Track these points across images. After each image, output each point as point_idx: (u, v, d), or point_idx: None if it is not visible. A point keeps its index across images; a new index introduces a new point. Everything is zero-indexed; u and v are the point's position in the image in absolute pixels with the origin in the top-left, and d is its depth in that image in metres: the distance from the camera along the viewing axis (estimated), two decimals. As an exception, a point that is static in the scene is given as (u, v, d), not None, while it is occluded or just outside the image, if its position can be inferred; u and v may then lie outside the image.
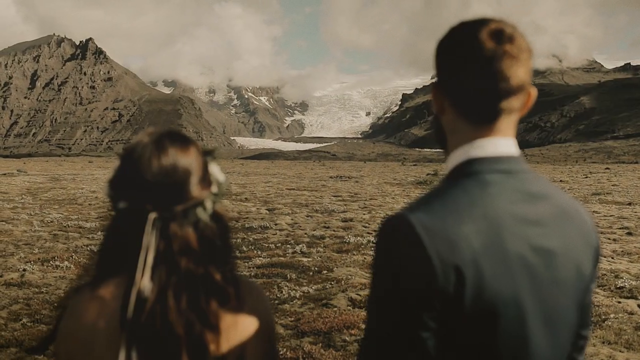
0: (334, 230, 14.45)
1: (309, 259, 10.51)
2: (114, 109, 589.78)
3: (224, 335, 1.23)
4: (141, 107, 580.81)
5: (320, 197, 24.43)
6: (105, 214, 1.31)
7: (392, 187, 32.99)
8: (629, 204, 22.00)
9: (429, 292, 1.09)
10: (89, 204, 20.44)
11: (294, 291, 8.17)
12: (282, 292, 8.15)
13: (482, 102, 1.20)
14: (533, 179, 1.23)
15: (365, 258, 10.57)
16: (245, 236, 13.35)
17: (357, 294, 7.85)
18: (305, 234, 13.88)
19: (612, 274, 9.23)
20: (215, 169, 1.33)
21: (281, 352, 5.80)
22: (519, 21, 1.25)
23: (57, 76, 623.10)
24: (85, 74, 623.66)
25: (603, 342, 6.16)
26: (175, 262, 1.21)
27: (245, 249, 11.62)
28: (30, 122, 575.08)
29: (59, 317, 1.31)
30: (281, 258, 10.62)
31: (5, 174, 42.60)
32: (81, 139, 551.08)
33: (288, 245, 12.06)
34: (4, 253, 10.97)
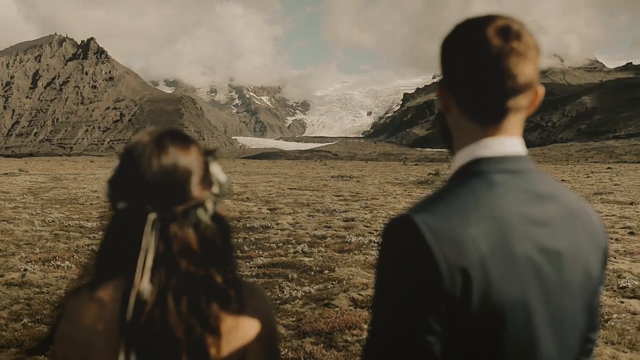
0: (335, 230, 14.43)
1: (311, 259, 10.49)
2: (115, 108, 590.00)
3: (224, 338, 1.21)
4: (143, 107, 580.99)
5: (321, 196, 24.42)
6: (106, 214, 1.28)
7: (393, 186, 32.97)
8: (631, 203, 21.95)
9: (434, 296, 1.06)
10: (91, 204, 20.43)
11: (295, 291, 8.15)
12: (283, 292, 8.13)
13: (488, 101, 1.17)
14: (540, 178, 1.21)
15: (366, 258, 10.55)
16: (246, 236, 13.34)
17: (359, 294, 7.83)
18: (307, 233, 13.87)
19: (615, 274, 9.20)
20: (216, 169, 1.31)
21: (282, 353, 5.78)
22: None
23: (59, 76, 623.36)
24: (86, 73, 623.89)
25: (606, 343, 6.13)
26: (175, 263, 1.19)
27: (246, 248, 11.61)
28: (32, 122, 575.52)
29: (57, 319, 1.29)
30: (282, 258, 10.60)
31: (6, 174, 42.63)
32: (83, 139, 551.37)
33: (289, 245, 12.04)
34: (5, 253, 10.97)
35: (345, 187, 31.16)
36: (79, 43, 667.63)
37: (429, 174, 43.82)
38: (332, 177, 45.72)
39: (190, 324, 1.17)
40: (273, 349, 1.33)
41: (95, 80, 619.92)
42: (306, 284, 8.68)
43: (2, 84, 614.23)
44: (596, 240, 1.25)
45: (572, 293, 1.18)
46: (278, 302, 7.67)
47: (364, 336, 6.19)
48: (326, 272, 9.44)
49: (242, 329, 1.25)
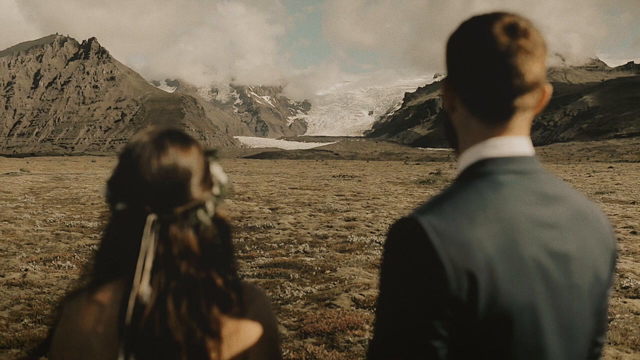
0: (337, 230, 14.40)
1: (312, 259, 10.46)
2: (116, 108, 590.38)
3: (225, 342, 1.19)
4: (144, 107, 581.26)
5: (323, 196, 24.39)
6: (105, 215, 1.26)
7: (395, 186, 32.94)
8: (633, 202, 21.91)
9: (440, 299, 1.04)
10: (92, 204, 20.42)
11: (297, 291, 8.12)
12: (285, 292, 8.10)
13: (495, 100, 1.14)
14: (548, 179, 1.18)
15: (368, 257, 10.52)
16: (248, 235, 13.32)
17: (361, 294, 7.80)
18: (308, 233, 13.84)
19: (617, 274, 9.16)
20: (217, 170, 1.28)
21: (284, 354, 5.75)
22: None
23: (60, 76, 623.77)
24: (88, 73, 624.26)
25: (609, 343, 6.10)
26: (175, 266, 1.17)
27: (248, 248, 11.58)
28: (34, 122, 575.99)
29: (56, 322, 1.26)
30: (284, 258, 10.57)
31: (8, 174, 42.65)
32: (84, 139, 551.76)
33: (291, 245, 12.02)
34: (6, 253, 10.95)
35: (347, 187, 31.14)
36: (80, 43, 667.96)
37: (430, 174, 43.81)
38: (334, 176, 45.70)
39: (190, 327, 1.15)
40: (275, 353, 1.31)
41: (97, 80, 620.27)
42: (308, 284, 8.66)
43: (3, 84, 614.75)
44: (605, 242, 1.22)
45: (581, 297, 1.16)
46: (279, 302, 7.65)
47: (366, 336, 6.17)
48: (328, 272, 9.41)
49: (243, 333, 1.23)
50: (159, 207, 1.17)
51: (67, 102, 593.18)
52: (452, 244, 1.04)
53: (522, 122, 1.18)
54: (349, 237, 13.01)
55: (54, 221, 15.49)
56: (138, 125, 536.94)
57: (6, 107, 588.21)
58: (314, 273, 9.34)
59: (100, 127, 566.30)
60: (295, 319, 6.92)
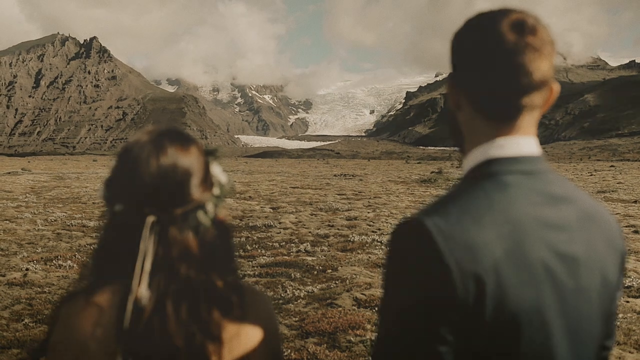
0: (338, 229, 14.37)
1: (314, 258, 10.44)
2: (118, 107, 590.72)
3: (226, 346, 1.17)
4: (145, 106, 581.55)
5: (324, 195, 24.36)
6: (103, 216, 1.24)
7: (396, 185, 32.91)
8: (635, 201, 21.86)
9: (446, 303, 1.01)
10: (93, 203, 20.39)
11: (298, 291, 8.10)
12: (286, 291, 8.08)
13: (502, 99, 1.12)
14: (555, 180, 1.16)
15: (369, 257, 10.49)
16: (249, 235, 13.30)
17: (362, 294, 7.78)
18: (310, 232, 13.81)
19: (620, 273, 9.13)
20: (217, 170, 1.26)
21: (285, 353, 5.73)
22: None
23: (62, 75, 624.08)
24: (89, 72, 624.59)
25: (612, 343, 6.07)
26: (174, 268, 1.15)
27: (249, 247, 11.57)
28: (35, 121, 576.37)
29: (53, 324, 1.24)
30: (285, 257, 10.55)
31: (9, 173, 42.67)
32: (85, 138, 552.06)
33: (292, 244, 12.00)
34: (7, 252, 10.93)
35: (348, 186, 31.10)
36: (81, 42, 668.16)
37: (431, 172, 43.79)
38: (335, 175, 45.68)
39: (190, 331, 1.13)
40: (276, 356, 1.29)
41: (98, 80, 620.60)
42: (309, 283, 8.63)
43: (5, 84, 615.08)
44: (613, 244, 1.20)
45: (589, 300, 1.14)
46: (281, 301, 7.63)
47: (368, 336, 6.15)
48: (329, 271, 9.39)
49: (244, 336, 1.21)
50: (158, 209, 1.15)
51: (69, 102, 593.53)
52: (459, 246, 1.02)
53: (529, 121, 1.16)
54: (351, 236, 12.99)
55: (55, 220, 15.48)
56: (139, 124, 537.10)
57: (7, 107, 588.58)
58: (316, 272, 9.32)
59: (102, 126, 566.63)
60: (297, 319, 6.89)
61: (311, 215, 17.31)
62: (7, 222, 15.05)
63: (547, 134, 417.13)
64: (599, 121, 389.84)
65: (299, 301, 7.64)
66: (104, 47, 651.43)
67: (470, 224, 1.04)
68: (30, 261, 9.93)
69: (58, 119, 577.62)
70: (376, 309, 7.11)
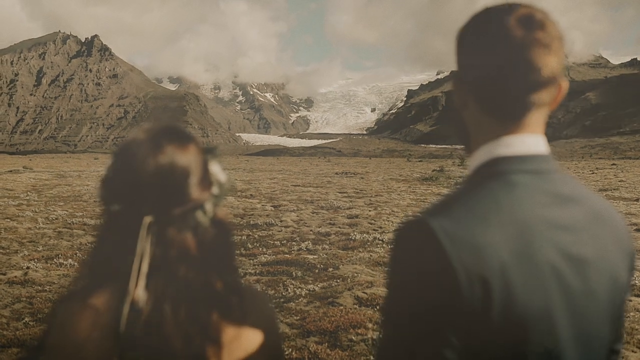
0: (339, 227, 14.36)
1: (315, 256, 10.42)
2: (119, 105, 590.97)
3: (226, 349, 1.14)
4: (146, 104, 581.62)
5: (325, 193, 24.34)
6: (100, 216, 1.21)
7: (397, 183, 32.87)
8: (637, 199, 21.81)
9: (452, 307, 0.98)
10: (94, 201, 20.36)
11: (299, 289, 8.08)
12: (287, 290, 8.06)
13: (509, 96, 1.09)
14: (564, 179, 1.13)
15: (371, 255, 10.47)
16: (250, 233, 13.29)
17: (364, 292, 7.75)
18: (311, 230, 13.80)
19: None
20: (216, 169, 1.23)
21: (286, 353, 5.72)
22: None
23: (63, 73, 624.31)
24: (90, 71, 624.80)
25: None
26: (172, 270, 1.12)
27: (250, 246, 11.56)
28: (36, 119, 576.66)
29: (49, 327, 1.21)
30: (286, 255, 10.54)
31: (11, 171, 42.63)
32: (87, 136, 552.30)
33: (293, 243, 11.98)
34: (7, 251, 10.93)
35: (349, 184, 31.08)
36: (83, 40, 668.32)
37: (433, 171, 43.71)
38: (336, 173, 45.63)
39: (188, 334, 1.10)
40: (278, 359, 1.26)
41: (99, 78, 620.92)
42: (310, 282, 8.61)
43: (6, 82, 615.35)
44: (623, 245, 1.17)
45: (598, 303, 1.10)
46: (282, 300, 7.61)
47: (369, 335, 6.13)
48: (330, 269, 9.37)
49: (244, 339, 1.18)
50: (156, 208, 1.12)
51: (70, 100, 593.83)
52: (465, 248, 0.99)
53: (537, 119, 1.13)
54: (352, 234, 12.97)
55: (56, 219, 15.47)
56: (141, 122, 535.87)
57: (9, 105, 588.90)
58: (317, 271, 9.30)
59: (103, 124, 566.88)
60: (298, 318, 6.88)
61: (312, 213, 17.29)
62: (8, 220, 15.05)
63: (548, 132, 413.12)
64: (600, 119, 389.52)
65: (300, 300, 7.62)
66: (105, 45, 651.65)
67: (476, 224, 1.02)
68: (31, 260, 9.92)
69: (59, 117, 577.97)
70: (378, 307, 7.09)
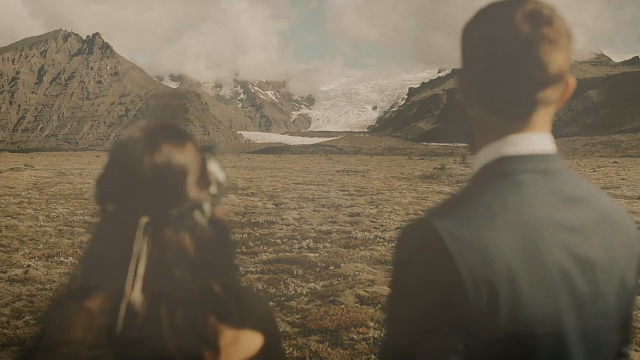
0: (340, 225, 14.34)
1: (316, 255, 10.40)
2: (120, 103, 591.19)
3: (223, 353, 1.11)
4: (148, 102, 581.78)
5: (326, 191, 24.31)
6: (96, 215, 1.18)
7: (399, 181, 32.84)
8: (639, 197, 21.77)
9: (457, 311, 0.95)
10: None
11: (300, 287, 8.06)
12: (288, 288, 8.04)
13: (516, 93, 1.06)
14: (571, 179, 1.10)
15: (372, 253, 10.45)
16: (251, 231, 13.27)
17: (365, 291, 7.73)
18: (312, 229, 13.78)
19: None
20: (214, 167, 1.20)
21: (287, 351, 5.70)
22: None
23: (64, 71, 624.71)
24: (92, 68, 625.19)
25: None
26: (169, 272, 1.09)
27: (251, 244, 11.53)
28: (38, 117, 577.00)
29: (42, 330, 1.17)
30: (287, 253, 10.52)
31: (12, 169, 42.63)
32: (88, 134, 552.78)
33: (294, 241, 11.96)
34: (8, 249, 10.91)
35: (351, 182, 31.05)
36: (84, 38, 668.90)
37: (434, 169, 43.67)
38: (338, 171, 45.61)
39: (185, 338, 1.07)
40: None
41: (101, 76, 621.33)
42: (311, 280, 8.59)
43: (7, 80, 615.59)
44: (631, 247, 1.14)
45: (607, 306, 1.07)
46: (283, 298, 7.59)
47: (371, 334, 6.10)
48: (331, 268, 9.34)
49: (243, 342, 1.15)
50: (152, 209, 1.09)
51: (71, 98, 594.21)
52: (470, 251, 0.96)
53: (544, 117, 1.10)
54: (353, 232, 12.95)
55: (57, 217, 15.46)
56: (142, 120, 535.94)
57: (10, 103, 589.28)
58: (318, 269, 9.28)
59: (104, 122, 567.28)
60: (299, 316, 6.86)
61: (314, 211, 17.27)
62: (9, 218, 15.04)
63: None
64: (602, 117, 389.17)
65: (301, 298, 7.60)
66: (106, 43, 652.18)
67: (482, 226, 0.99)
68: (31, 258, 9.90)
69: (61, 115, 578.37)
70: (379, 306, 7.07)
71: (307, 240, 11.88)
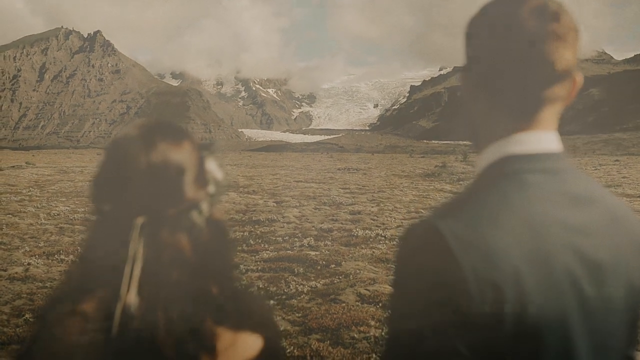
0: (342, 223, 14.31)
1: (317, 253, 10.38)
2: (122, 101, 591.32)
3: (221, 357, 1.08)
4: (149, 100, 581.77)
5: (328, 189, 24.28)
6: (91, 215, 1.15)
7: (400, 179, 32.81)
8: (640, 196, 21.73)
9: (462, 315, 0.92)
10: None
11: (301, 286, 8.04)
12: (289, 287, 8.02)
13: (522, 90, 1.03)
14: (578, 178, 1.07)
15: (373, 252, 10.43)
16: (252, 229, 13.25)
17: (366, 289, 7.71)
18: (313, 227, 13.75)
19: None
20: (212, 166, 1.17)
21: (288, 350, 5.68)
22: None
23: (66, 69, 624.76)
24: (93, 66, 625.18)
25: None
26: (165, 274, 1.06)
27: (252, 242, 11.51)
28: (39, 115, 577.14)
29: (36, 332, 1.15)
30: (288, 252, 10.50)
31: (13, 167, 42.63)
32: (89, 132, 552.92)
33: (295, 239, 11.94)
34: (9, 247, 10.90)
35: (352, 180, 31.01)
36: (85, 36, 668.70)
37: (435, 167, 43.64)
38: (339, 169, 45.55)
39: (182, 341, 1.04)
40: None
41: (102, 73, 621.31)
42: (312, 278, 8.57)
43: (9, 77, 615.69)
44: (639, 248, 1.11)
45: (614, 309, 1.04)
46: (284, 297, 7.57)
47: (372, 333, 6.08)
48: (333, 266, 9.32)
49: (241, 345, 1.11)
50: (148, 209, 1.07)
51: (73, 95, 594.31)
52: (475, 252, 0.93)
53: (550, 115, 1.07)
54: (354, 230, 12.93)
55: (58, 214, 15.45)
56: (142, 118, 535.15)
57: (12, 100, 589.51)
58: (319, 267, 9.26)
59: (106, 120, 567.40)
60: (300, 315, 6.84)
61: (315, 209, 17.25)
62: (10, 216, 15.03)
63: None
64: (603, 115, 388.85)
65: (302, 296, 7.58)
66: (107, 40, 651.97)
67: (487, 227, 0.96)
68: (32, 256, 9.90)
69: (62, 113, 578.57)
70: (380, 305, 7.05)
71: (308, 239, 11.86)
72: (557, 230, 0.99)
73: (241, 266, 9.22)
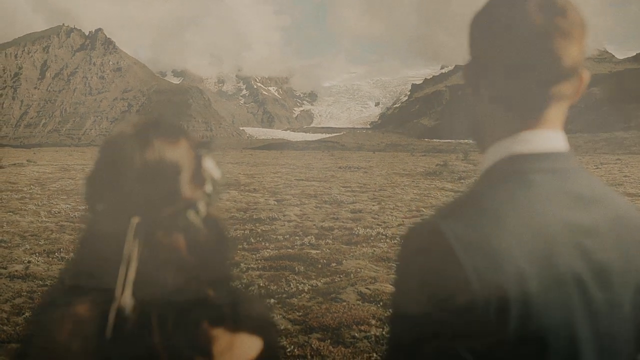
0: (343, 222, 14.29)
1: (318, 251, 10.36)
2: (123, 99, 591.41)
3: None
4: (150, 98, 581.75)
5: (329, 187, 24.26)
6: (85, 215, 1.13)
7: (401, 177, 32.79)
8: (642, 195, 21.70)
9: (464, 318, 0.90)
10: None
11: (302, 284, 8.02)
12: (289, 285, 8.00)
13: (528, 88, 1.00)
14: (585, 178, 1.04)
15: (374, 250, 10.41)
16: (253, 227, 13.23)
17: (367, 288, 7.69)
18: (314, 225, 13.73)
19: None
20: (209, 164, 1.13)
21: (288, 349, 5.67)
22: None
23: (67, 66, 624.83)
24: (94, 64, 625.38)
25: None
26: (161, 275, 1.03)
27: (252, 240, 11.49)
28: (40, 113, 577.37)
29: (29, 335, 1.14)
30: (289, 250, 10.48)
31: (14, 164, 42.64)
32: (91, 129, 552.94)
33: (296, 237, 11.92)
34: (9, 244, 10.89)
35: (353, 178, 30.99)
36: (86, 34, 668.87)
37: (437, 165, 43.58)
38: (340, 168, 45.51)
39: (177, 344, 1.02)
40: None
41: (103, 71, 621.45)
42: (313, 277, 8.55)
43: (10, 75, 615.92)
44: None
45: (622, 313, 1.01)
46: (284, 295, 7.56)
47: (372, 332, 6.06)
48: (333, 265, 9.30)
49: (237, 350, 1.08)
50: (144, 208, 1.04)
51: (74, 93, 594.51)
52: (479, 254, 0.91)
53: (557, 113, 1.04)
54: (355, 229, 12.90)
55: (58, 212, 15.45)
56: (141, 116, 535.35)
57: (13, 98, 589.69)
58: (320, 266, 9.24)
59: (107, 118, 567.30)
60: (300, 313, 6.82)
61: (316, 207, 17.24)
62: (11, 213, 15.03)
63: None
64: (605, 114, 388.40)
65: (302, 295, 7.57)
66: (109, 38, 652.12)
67: (491, 228, 0.93)
68: (32, 254, 9.89)
69: (63, 111, 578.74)
70: (381, 303, 7.03)
71: (308, 237, 11.84)
72: (563, 231, 0.96)
73: (242, 264, 9.21)
